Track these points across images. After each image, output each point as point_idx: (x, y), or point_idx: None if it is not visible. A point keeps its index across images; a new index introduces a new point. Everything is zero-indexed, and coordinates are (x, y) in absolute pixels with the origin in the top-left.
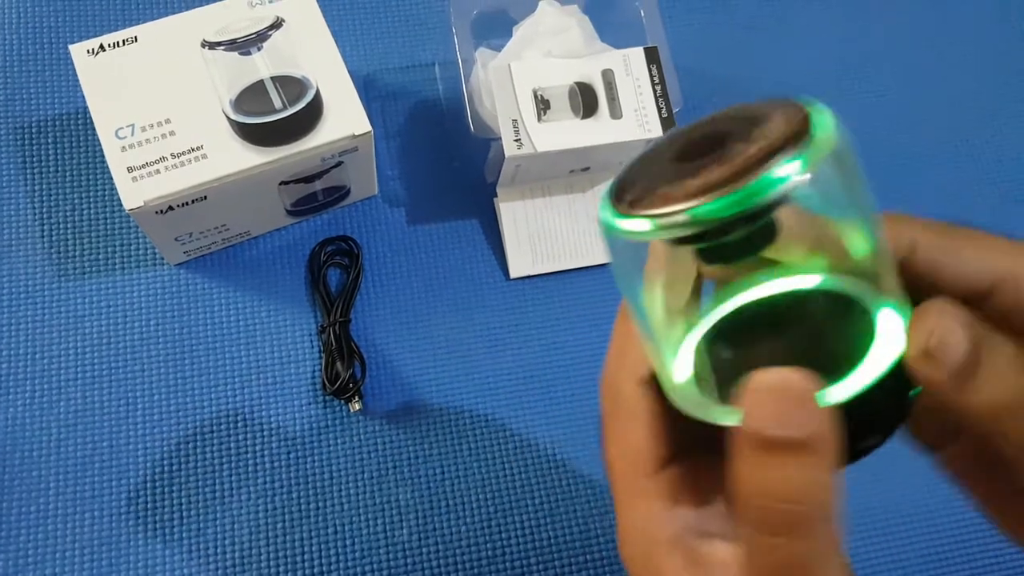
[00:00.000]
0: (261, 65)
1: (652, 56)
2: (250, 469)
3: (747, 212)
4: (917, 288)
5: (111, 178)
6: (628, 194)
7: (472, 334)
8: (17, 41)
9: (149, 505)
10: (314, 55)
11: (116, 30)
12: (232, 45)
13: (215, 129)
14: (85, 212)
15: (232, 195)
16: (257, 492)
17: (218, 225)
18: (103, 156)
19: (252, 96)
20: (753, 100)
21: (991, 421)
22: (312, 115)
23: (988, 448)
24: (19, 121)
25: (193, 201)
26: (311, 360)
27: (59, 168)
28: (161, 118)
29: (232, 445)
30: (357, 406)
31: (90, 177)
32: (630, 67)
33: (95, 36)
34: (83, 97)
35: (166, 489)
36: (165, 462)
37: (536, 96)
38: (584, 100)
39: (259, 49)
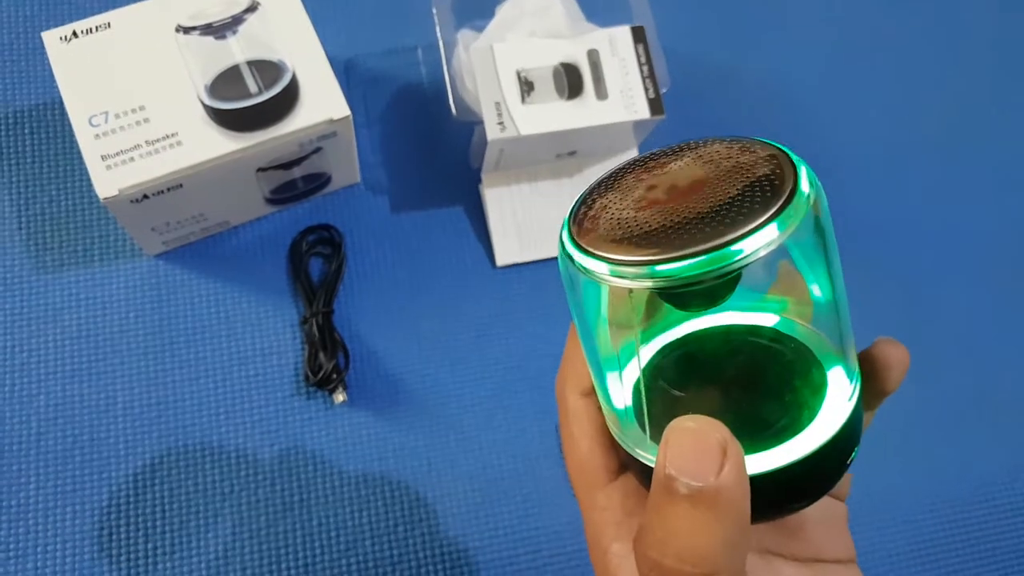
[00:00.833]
0: (236, 50)
1: (639, 36)
2: (232, 462)
3: (717, 274)
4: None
5: (87, 168)
6: (594, 225)
7: (458, 323)
8: None
9: (131, 499)
10: (291, 39)
11: (90, 16)
12: (207, 29)
13: (190, 115)
14: (62, 203)
15: (209, 183)
16: (240, 485)
17: (196, 214)
18: (79, 145)
19: (227, 81)
20: (735, 124)
21: None
22: (288, 100)
23: None
24: None
25: (169, 189)
26: (294, 351)
27: (36, 158)
28: (135, 105)
29: (214, 438)
30: (341, 397)
31: (67, 167)
32: (616, 47)
33: (68, 23)
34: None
35: (147, 482)
36: (146, 455)
37: (520, 78)
38: (569, 81)
39: (234, 33)
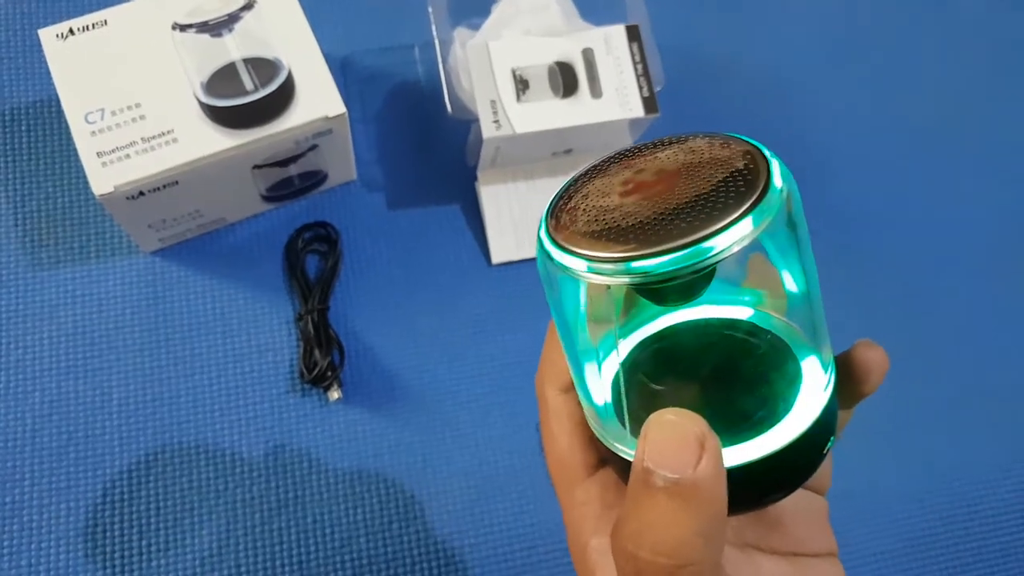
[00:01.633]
0: (232, 47)
1: (633, 34)
2: (227, 458)
3: (692, 269)
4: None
5: (83, 165)
6: (571, 222)
7: (454, 320)
8: None
9: (125, 495)
10: (286, 36)
11: (86, 13)
12: (203, 27)
13: (186, 112)
14: (59, 200)
15: (204, 180)
16: (234, 481)
17: (191, 211)
18: (75, 142)
19: (223, 79)
20: (713, 120)
21: None
22: (284, 97)
23: None
24: None
25: (164, 186)
26: (289, 348)
27: (31, 155)
28: (131, 102)
29: (209, 434)
30: (336, 394)
31: (63, 164)
32: (611, 46)
33: (65, 20)
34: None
35: (142, 479)
36: (141, 452)
37: (515, 76)
38: (564, 80)
39: (230, 31)
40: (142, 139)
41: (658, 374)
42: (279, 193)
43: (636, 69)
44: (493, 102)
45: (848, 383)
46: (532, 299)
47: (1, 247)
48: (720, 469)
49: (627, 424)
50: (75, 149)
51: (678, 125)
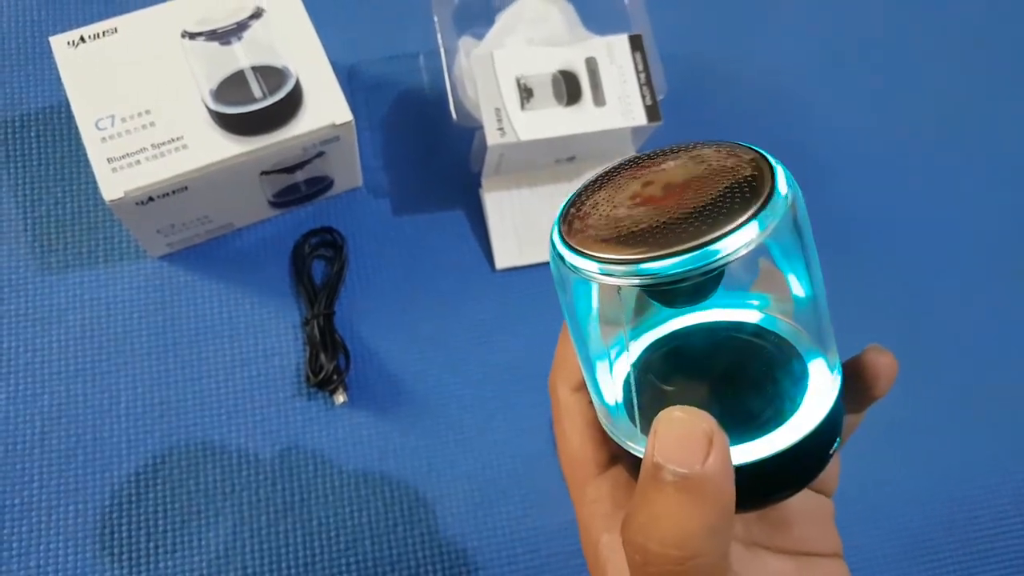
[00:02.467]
0: (241, 55)
1: (636, 44)
2: (234, 461)
3: (700, 271)
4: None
5: (93, 170)
6: (583, 226)
7: (458, 325)
8: None
9: (133, 497)
10: (294, 45)
11: (97, 21)
12: (212, 35)
13: (195, 119)
14: (68, 205)
15: (213, 186)
16: (241, 484)
17: (200, 216)
18: (85, 148)
19: (232, 86)
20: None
21: None
22: (292, 105)
23: None
24: (1, 114)
25: (174, 192)
26: (295, 352)
27: (42, 161)
28: (141, 109)
29: (216, 438)
30: (342, 398)
31: (73, 170)
32: (614, 55)
33: (76, 27)
34: (65, 89)
35: (150, 481)
36: (149, 455)
37: (519, 84)
38: (568, 88)
39: (239, 39)
40: (152, 145)
41: (668, 374)
42: (286, 199)
43: (639, 78)
44: (497, 110)
45: (857, 387)
46: (536, 304)
47: (11, 251)
48: (728, 465)
49: (637, 422)
50: (84, 154)
51: (681, 133)
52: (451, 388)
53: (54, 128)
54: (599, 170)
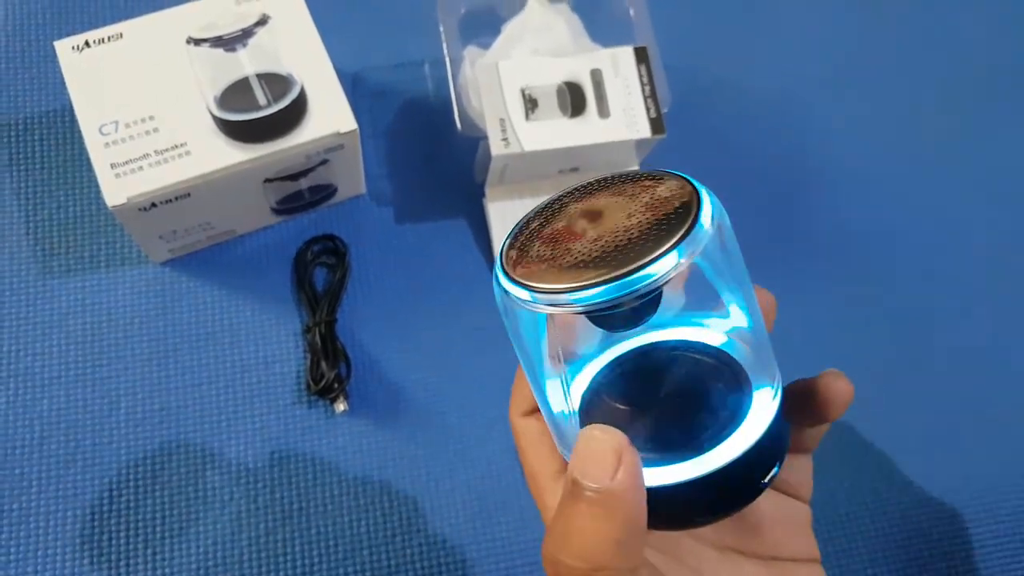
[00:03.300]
0: (246, 62)
1: (641, 56)
2: (233, 468)
3: (628, 297)
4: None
5: (96, 176)
6: (522, 256)
7: (459, 334)
8: (4, 37)
9: (131, 503)
10: (300, 52)
11: (102, 26)
12: (217, 42)
13: (199, 126)
14: (70, 210)
15: (216, 192)
16: (240, 492)
17: (202, 223)
18: (88, 153)
19: (237, 93)
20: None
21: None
22: (297, 112)
23: None
24: (4, 118)
25: (176, 198)
26: (296, 360)
27: (44, 165)
28: (145, 115)
29: (215, 444)
30: (342, 406)
31: (75, 174)
32: (619, 67)
33: (81, 32)
34: (69, 94)
35: (148, 488)
36: (148, 461)
37: (524, 95)
38: (572, 99)
39: (244, 46)
40: (155, 151)
41: (610, 395)
42: (289, 206)
43: (644, 90)
44: (502, 120)
45: (810, 409)
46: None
47: (13, 255)
48: (636, 480)
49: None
50: (87, 159)
51: (684, 146)
52: (452, 397)
53: (57, 133)
54: (541, 202)
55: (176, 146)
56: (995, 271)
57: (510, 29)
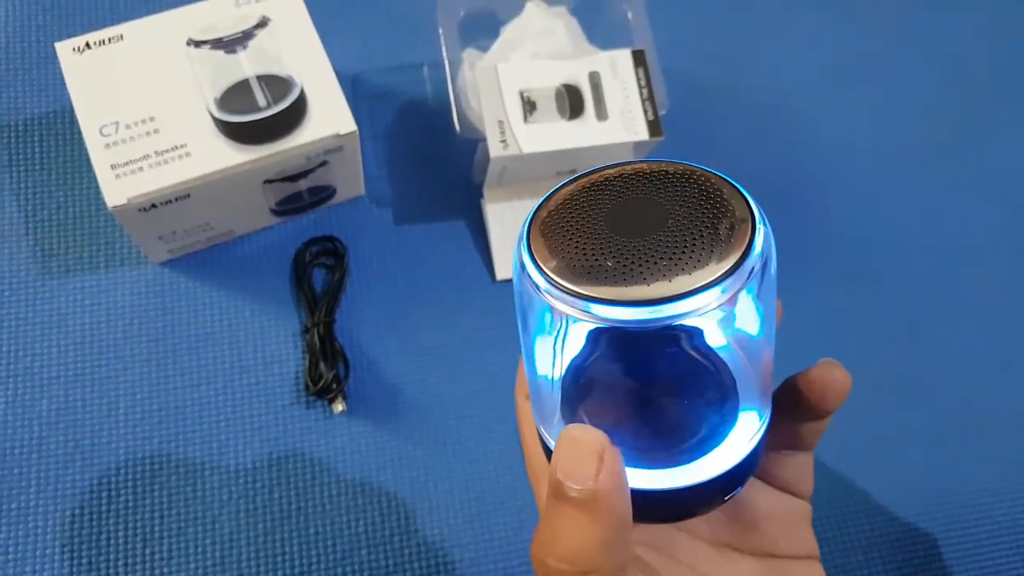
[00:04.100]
0: (246, 64)
1: (639, 59)
2: (231, 469)
3: (650, 325)
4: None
5: (96, 176)
6: (552, 241)
7: (458, 336)
8: (4, 39)
9: (130, 503)
10: (299, 54)
11: (102, 28)
12: (218, 44)
13: (199, 127)
14: (70, 210)
15: (216, 193)
16: (238, 492)
17: (202, 224)
18: (89, 154)
19: (237, 94)
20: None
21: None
22: (296, 114)
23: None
24: (5, 119)
25: (176, 199)
26: (295, 360)
27: (44, 166)
28: (145, 116)
29: (214, 444)
30: (340, 407)
31: (75, 175)
32: (617, 69)
33: (81, 34)
34: (69, 95)
35: (147, 488)
36: (147, 461)
37: (522, 97)
38: (571, 102)
39: (244, 48)
40: (155, 152)
41: (597, 387)
42: (288, 207)
43: (641, 93)
44: (501, 122)
45: (807, 400)
46: None
47: (12, 255)
48: (619, 481)
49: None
50: (87, 160)
51: (681, 149)
52: (450, 398)
53: (58, 133)
54: (582, 174)
55: (176, 147)
56: (993, 271)
57: (509, 32)
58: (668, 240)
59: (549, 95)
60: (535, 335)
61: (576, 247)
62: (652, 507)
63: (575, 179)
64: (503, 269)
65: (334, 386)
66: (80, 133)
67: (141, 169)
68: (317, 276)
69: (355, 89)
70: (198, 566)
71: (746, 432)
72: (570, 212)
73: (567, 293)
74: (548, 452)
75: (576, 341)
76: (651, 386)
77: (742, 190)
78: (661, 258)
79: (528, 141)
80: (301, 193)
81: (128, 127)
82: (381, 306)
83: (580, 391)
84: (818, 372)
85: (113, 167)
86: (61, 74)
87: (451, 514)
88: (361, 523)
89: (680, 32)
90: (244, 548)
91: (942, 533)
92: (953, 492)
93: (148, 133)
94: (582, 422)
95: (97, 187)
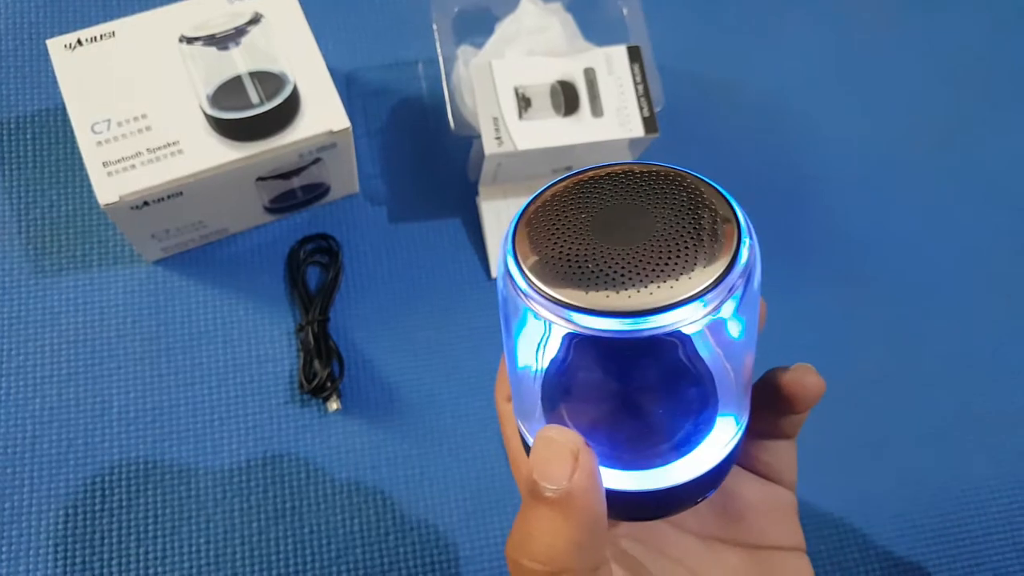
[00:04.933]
0: (239, 61)
1: (635, 55)
2: (225, 468)
3: (629, 336)
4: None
5: (88, 174)
6: (538, 254)
7: (453, 334)
8: None
9: (124, 503)
10: (293, 51)
11: (94, 25)
12: (210, 40)
13: (192, 124)
14: (62, 208)
15: (208, 191)
16: (232, 491)
17: (195, 222)
18: (80, 152)
19: (229, 91)
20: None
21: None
22: (289, 111)
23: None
24: None
25: (169, 197)
26: (289, 359)
27: (37, 164)
28: (137, 113)
29: (208, 443)
30: (335, 405)
31: (68, 173)
32: (612, 66)
33: (73, 31)
34: (61, 92)
35: (141, 487)
36: (140, 460)
37: (517, 94)
38: (566, 98)
39: (237, 45)
40: (148, 150)
41: (581, 391)
42: (282, 205)
43: (637, 89)
44: (495, 119)
45: (779, 401)
46: None
47: (4, 254)
48: (593, 481)
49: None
50: (79, 158)
51: (677, 146)
52: (445, 397)
53: (49, 131)
54: (569, 176)
55: (168, 144)
56: (990, 271)
57: (503, 28)
58: (653, 249)
59: (544, 92)
60: (517, 334)
61: (561, 252)
62: (627, 507)
63: (564, 179)
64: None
65: (328, 384)
66: (72, 130)
67: (133, 167)
68: (311, 274)
69: (349, 86)
70: (192, 565)
71: (722, 437)
72: (557, 214)
73: (549, 300)
74: (528, 449)
75: (557, 340)
76: (630, 389)
77: (731, 200)
78: (645, 267)
79: (523, 138)
80: (294, 191)
81: (120, 124)
82: (375, 304)
83: (560, 390)
84: (791, 377)
85: (105, 164)
86: (52, 71)
87: (446, 513)
88: (356, 522)
89: (676, 28)
90: (238, 547)
91: (938, 529)
92: (949, 488)
93: (140, 130)
94: (562, 420)
95: (89, 185)
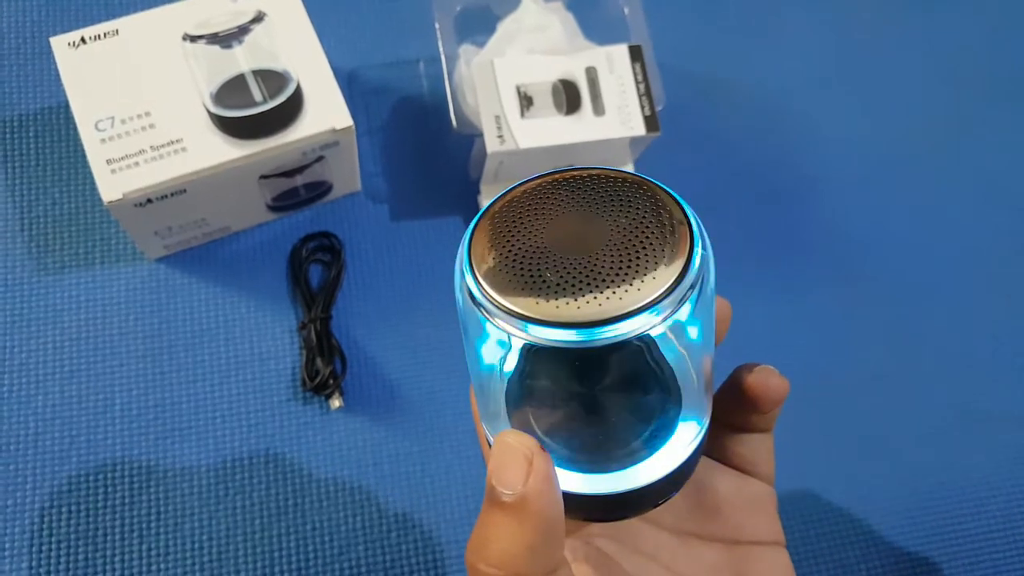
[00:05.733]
0: (242, 59)
1: (636, 54)
2: (228, 465)
3: (584, 346)
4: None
5: (92, 172)
6: (492, 254)
7: (454, 331)
8: None
9: (126, 499)
10: (295, 49)
11: (98, 23)
12: (213, 39)
13: (195, 122)
14: (65, 206)
15: (211, 189)
16: (235, 488)
17: (197, 219)
18: (84, 150)
19: (232, 89)
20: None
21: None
22: (292, 109)
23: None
24: (0, 114)
25: (172, 194)
26: (291, 357)
27: (40, 162)
28: (141, 111)
29: (210, 441)
30: (337, 403)
31: (71, 171)
32: (614, 65)
33: (77, 29)
34: (64, 90)
35: (143, 484)
36: (143, 457)
37: (519, 92)
38: (567, 97)
39: (240, 43)
40: (151, 147)
41: (544, 395)
42: (284, 203)
43: (638, 88)
44: (497, 117)
45: (744, 402)
46: None
47: (8, 251)
48: (548, 485)
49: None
50: (82, 155)
51: (678, 145)
52: (447, 394)
53: (53, 129)
54: (523, 182)
55: (172, 142)
56: (990, 271)
57: (505, 27)
58: (606, 257)
59: (546, 90)
60: (476, 340)
61: (514, 259)
62: (591, 508)
63: (519, 185)
64: None
65: (331, 382)
66: (75, 128)
67: (137, 164)
68: (313, 272)
69: (351, 84)
70: (194, 562)
71: (684, 438)
72: (512, 223)
73: (501, 309)
74: None
75: (514, 348)
76: (589, 393)
77: (686, 208)
78: (596, 277)
79: (525, 136)
80: (297, 189)
81: (124, 122)
82: (378, 302)
83: (520, 394)
84: (754, 379)
85: (109, 162)
86: (56, 69)
87: (448, 510)
88: (358, 519)
89: (677, 27)
90: (240, 544)
91: (938, 527)
92: (949, 487)
93: (144, 128)
94: (525, 425)
95: (92, 182)
